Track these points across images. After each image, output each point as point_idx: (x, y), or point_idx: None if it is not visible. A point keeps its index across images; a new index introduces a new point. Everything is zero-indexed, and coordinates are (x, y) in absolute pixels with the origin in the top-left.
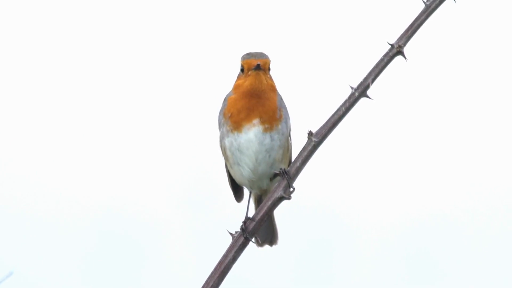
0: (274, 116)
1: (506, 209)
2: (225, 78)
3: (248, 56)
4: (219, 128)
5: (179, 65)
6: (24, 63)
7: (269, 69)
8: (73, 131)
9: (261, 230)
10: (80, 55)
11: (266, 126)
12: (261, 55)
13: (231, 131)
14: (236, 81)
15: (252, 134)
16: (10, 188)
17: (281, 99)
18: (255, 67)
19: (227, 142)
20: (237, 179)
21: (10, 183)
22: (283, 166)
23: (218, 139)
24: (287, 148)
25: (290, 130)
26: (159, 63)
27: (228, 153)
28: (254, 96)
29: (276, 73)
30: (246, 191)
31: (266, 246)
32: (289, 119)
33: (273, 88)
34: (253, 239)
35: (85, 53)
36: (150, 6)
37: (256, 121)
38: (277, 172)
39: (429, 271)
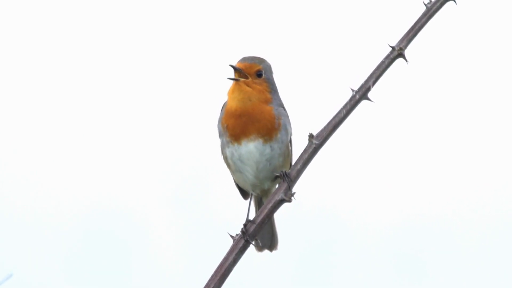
0: (273, 127)
1: (502, 212)
2: (218, 78)
3: (239, 60)
4: (219, 137)
5: (171, 64)
6: (22, 63)
7: (258, 75)
8: (63, 131)
9: (261, 235)
10: (77, 56)
11: (266, 137)
12: (249, 59)
13: (231, 143)
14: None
15: (252, 146)
16: (3, 189)
17: (278, 104)
18: (233, 78)
19: (228, 152)
20: (240, 184)
21: (3, 184)
22: (284, 169)
23: (220, 147)
24: (287, 154)
25: (291, 135)
26: (152, 63)
27: (230, 161)
28: (243, 115)
29: (277, 76)
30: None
31: (266, 251)
32: (289, 124)
33: (262, 97)
34: (254, 242)
35: (82, 53)
36: (150, 7)
37: (253, 136)
38: (278, 174)
39: (428, 273)
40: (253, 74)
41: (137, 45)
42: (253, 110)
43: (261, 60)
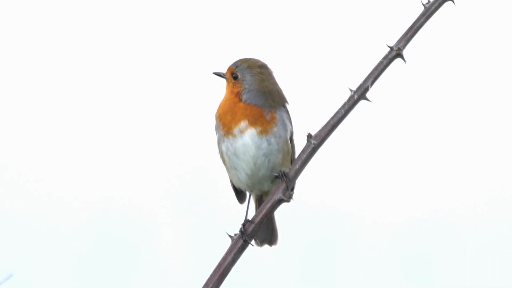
0: (263, 118)
1: (505, 211)
2: (223, 81)
3: None
4: (216, 131)
5: (174, 65)
6: (24, 63)
7: (234, 77)
8: (68, 132)
9: (261, 230)
10: (79, 57)
11: (259, 129)
12: (231, 64)
13: (225, 136)
14: None
15: (247, 138)
16: (6, 190)
17: (262, 102)
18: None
19: (223, 147)
20: (235, 183)
21: (6, 185)
22: (284, 169)
23: (216, 143)
24: (287, 151)
25: (291, 133)
26: (155, 64)
27: (225, 157)
28: (231, 101)
29: (277, 76)
30: (247, 193)
31: (266, 246)
32: (290, 121)
33: (232, 96)
34: (252, 242)
35: (84, 55)
36: (150, 7)
37: (244, 123)
38: (276, 174)
39: (430, 271)
40: (229, 76)
41: (141, 48)
42: (234, 103)
43: (236, 63)
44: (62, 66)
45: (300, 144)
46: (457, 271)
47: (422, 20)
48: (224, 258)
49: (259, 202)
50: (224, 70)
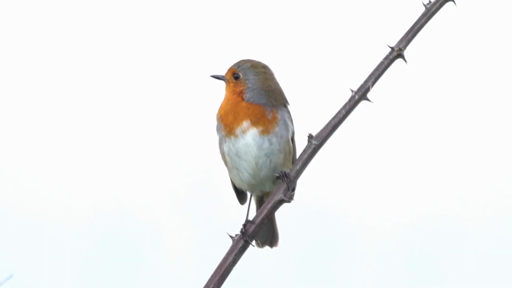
0: (265, 118)
1: (507, 210)
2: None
3: None
4: (217, 132)
5: (177, 66)
6: (24, 63)
7: (235, 77)
8: (71, 133)
9: (262, 231)
10: (81, 58)
11: (261, 128)
12: (232, 64)
13: (227, 136)
14: None
15: (249, 138)
16: (9, 190)
17: (265, 101)
18: (216, 76)
19: (225, 147)
20: (236, 183)
21: (9, 185)
22: (285, 168)
23: (217, 143)
24: (288, 151)
25: (293, 133)
26: (158, 65)
27: (227, 158)
28: (234, 101)
29: (277, 76)
30: (248, 193)
31: (267, 247)
32: (291, 121)
33: (235, 95)
34: (253, 242)
35: (86, 55)
36: (151, 7)
37: (246, 123)
38: (277, 175)
39: (431, 272)
40: (230, 77)
41: (143, 51)
42: (236, 103)
43: (239, 63)
44: (65, 67)
45: (301, 144)
46: (458, 273)
47: (423, 20)
48: (225, 259)
49: (260, 202)
50: (222, 72)
